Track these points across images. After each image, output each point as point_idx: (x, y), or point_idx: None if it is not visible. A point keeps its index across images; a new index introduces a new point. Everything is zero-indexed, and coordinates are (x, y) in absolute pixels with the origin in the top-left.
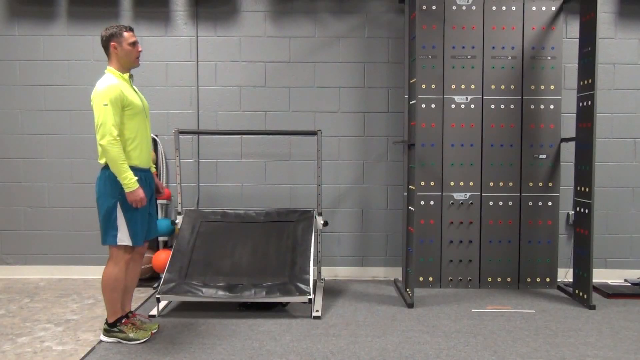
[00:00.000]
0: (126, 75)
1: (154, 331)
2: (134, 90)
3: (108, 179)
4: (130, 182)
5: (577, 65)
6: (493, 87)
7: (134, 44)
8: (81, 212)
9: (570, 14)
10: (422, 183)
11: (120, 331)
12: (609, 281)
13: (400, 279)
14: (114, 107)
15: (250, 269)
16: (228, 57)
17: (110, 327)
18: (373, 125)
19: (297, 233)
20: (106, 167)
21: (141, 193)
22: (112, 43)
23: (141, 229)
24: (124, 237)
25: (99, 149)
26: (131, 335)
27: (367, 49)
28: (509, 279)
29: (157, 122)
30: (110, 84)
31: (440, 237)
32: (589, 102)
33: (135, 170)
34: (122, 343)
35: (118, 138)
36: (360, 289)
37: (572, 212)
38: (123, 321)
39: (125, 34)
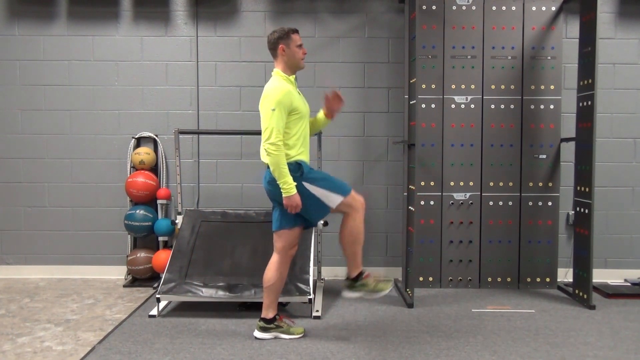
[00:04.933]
0: (292, 78)
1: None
2: (298, 93)
3: (272, 179)
4: (289, 187)
5: (577, 65)
6: (493, 87)
7: (300, 45)
8: (81, 212)
9: (570, 14)
10: (422, 183)
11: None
12: (609, 281)
13: (400, 279)
14: (280, 112)
15: (250, 269)
16: (228, 57)
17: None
18: (373, 125)
19: None
20: (268, 167)
21: (298, 200)
22: (281, 45)
23: (337, 182)
24: (333, 197)
25: (262, 149)
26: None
27: (367, 49)
28: (509, 279)
29: (157, 122)
30: (279, 88)
31: (440, 237)
32: (589, 102)
33: (292, 170)
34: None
35: (281, 143)
36: None
37: (572, 212)
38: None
39: (293, 36)
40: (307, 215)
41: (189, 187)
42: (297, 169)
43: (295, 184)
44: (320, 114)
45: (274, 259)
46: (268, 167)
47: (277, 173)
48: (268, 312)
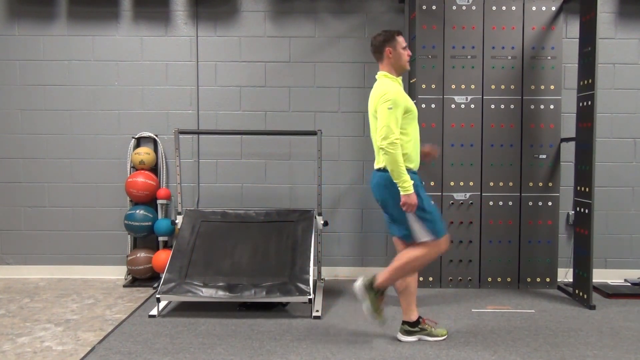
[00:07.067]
0: (399, 79)
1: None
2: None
3: (388, 181)
4: (407, 185)
5: (577, 65)
6: (493, 87)
7: (405, 47)
8: (81, 212)
9: (570, 14)
10: (422, 183)
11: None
12: (609, 281)
13: None
14: (397, 111)
15: (250, 269)
16: (228, 57)
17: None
18: None
19: (297, 233)
20: (384, 170)
21: (415, 198)
22: (388, 48)
23: (438, 218)
24: (423, 233)
25: (378, 152)
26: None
27: (367, 49)
28: (509, 279)
29: (157, 122)
30: (394, 88)
31: None
32: (589, 102)
33: (410, 172)
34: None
35: (398, 141)
36: None
37: (572, 212)
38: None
39: (398, 38)
40: (388, 214)
41: (189, 187)
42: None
43: (412, 181)
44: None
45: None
46: (378, 171)
47: (395, 172)
48: (410, 315)
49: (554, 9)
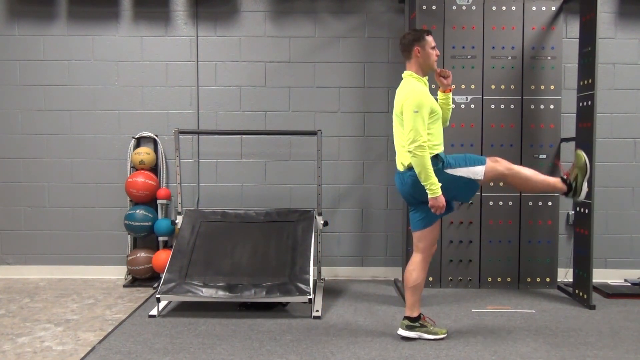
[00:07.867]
0: (425, 79)
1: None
2: None
3: (416, 180)
4: (435, 188)
5: (577, 65)
6: (493, 87)
7: (434, 47)
8: (81, 212)
9: (570, 14)
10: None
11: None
12: (609, 281)
13: (400, 279)
14: (423, 114)
15: (250, 269)
16: (228, 57)
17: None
18: (373, 125)
19: (297, 233)
20: (410, 169)
21: (443, 200)
22: (416, 47)
23: (471, 157)
24: (475, 170)
25: (401, 153)
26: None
27: (367, 49)
28: (509, 279)
29: (157, 122)
30: (419, 90)
31: (440, 237)
32: (589, 102)
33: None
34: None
35: (426, 144)
36: (360, 289)
37: (572, 212)
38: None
39: (427, 37)
40: (460, 198)
41: (189, 187)
42: (437, 162)
43: (440, 184)
44: (439, 96)
45: (417, 258)
46: (407, 170)
47: (424, 175)
48: (413, 311)
49: (554, 9)
